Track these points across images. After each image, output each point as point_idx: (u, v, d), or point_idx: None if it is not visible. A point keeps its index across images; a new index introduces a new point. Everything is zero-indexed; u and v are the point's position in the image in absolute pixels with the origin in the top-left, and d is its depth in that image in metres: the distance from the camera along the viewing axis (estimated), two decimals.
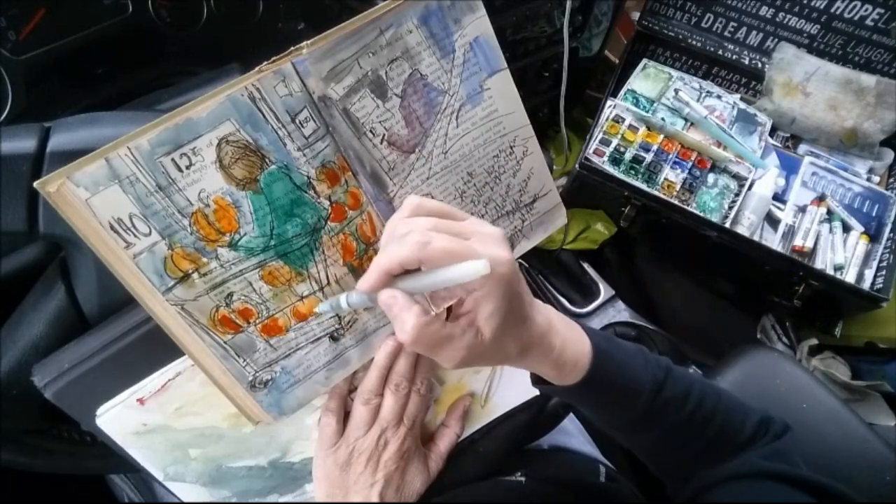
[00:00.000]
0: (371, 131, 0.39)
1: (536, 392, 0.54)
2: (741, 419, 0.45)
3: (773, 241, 0.97)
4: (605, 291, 1.10)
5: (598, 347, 0.41)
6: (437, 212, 0.36)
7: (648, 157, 0.99)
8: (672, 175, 0.99)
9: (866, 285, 0.92)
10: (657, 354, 0.46)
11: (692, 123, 1.03)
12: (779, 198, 1.00)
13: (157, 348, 0.40)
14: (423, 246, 0.32)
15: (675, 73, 1.09)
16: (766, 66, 1.03)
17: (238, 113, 0.34)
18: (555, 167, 1.17)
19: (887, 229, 0.96)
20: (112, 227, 0.33)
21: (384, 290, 0.35)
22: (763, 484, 0.40)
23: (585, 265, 1.13)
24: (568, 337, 0.40)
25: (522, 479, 0.52)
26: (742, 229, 0.95)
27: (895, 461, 0.68)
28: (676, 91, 1.06)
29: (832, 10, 0.94)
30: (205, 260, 0.36)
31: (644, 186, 0.97)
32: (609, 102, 1.05)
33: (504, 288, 0.35)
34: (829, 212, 0.98)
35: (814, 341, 1.06)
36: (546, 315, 0.40)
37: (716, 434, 0.44)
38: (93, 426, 0.42)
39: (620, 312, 1.08)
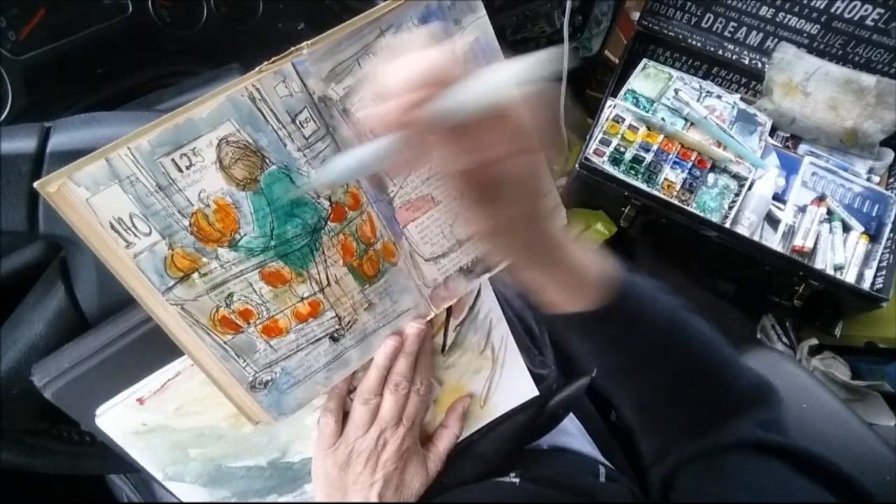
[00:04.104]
0: (371, 131, 0.39)
1: (536, 392, 0.54)
2: (735, 375, 0.42)
3: (773, 241, 0.97)
4: None
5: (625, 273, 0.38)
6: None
7: (648, 157, 0.99)
8: (672, 175, 0.99)
9: (866, 285, 0.93)
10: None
11: (692, 123, 1.03)
12: (779, 198, 1.00)
13: (157, 348, 0.40)
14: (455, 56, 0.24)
15: (675, 73, 1.09)
16: (766, 66, 1.03)
17: (238, 113, 0.34)
18: (555, 167, 1.17)
19: (887, 229, 0.96)
20: (112, 227, 0.33)
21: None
22: (766, 460, 0.38)
23: None
24: (589, 255, 0.37)
25: (517, 479, 0.51)
26: (742, 229, 0.95)
27: (895, 461, 0.68)
28: (676, 91, 1.06)
29: (832, 10, 0.94)
30: (205, 260, 0.36)
31: (644, 186, 0.97)
32: (609, 102, 1.05)
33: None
34: (829, 212, 0.98)
35: (814, 341, 1.06)
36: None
37: (711, 387, 0.41)
38: (92, 426, 0.42)
39: None
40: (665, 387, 0.42)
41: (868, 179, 1.02)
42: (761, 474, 0.37)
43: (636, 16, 1.11)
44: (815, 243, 0.96)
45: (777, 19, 0.99)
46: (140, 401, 0.42)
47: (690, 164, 0.99)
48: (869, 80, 0.97)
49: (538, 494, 0.51)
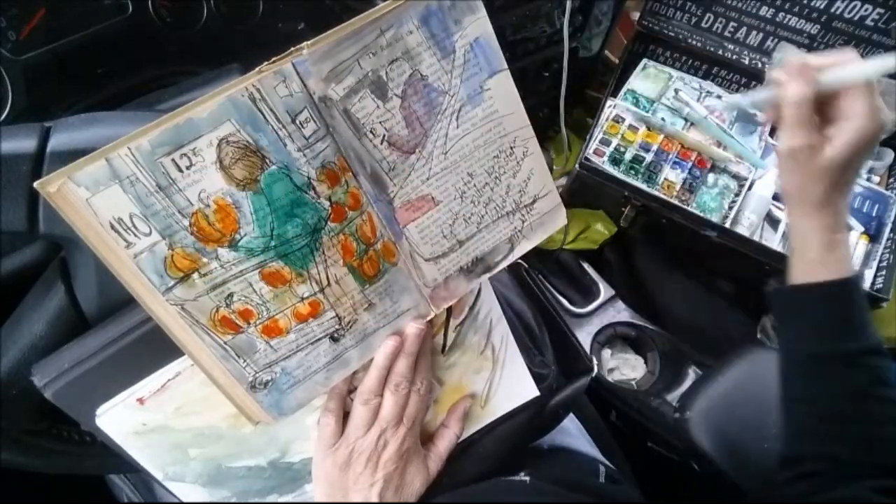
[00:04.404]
0: (371, 132, 0.39)
1: (537, 392, 0.54)
2: None
3: (774, 241, 0.97)
4: (605, 291, 1.10)
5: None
6: None
7: (648, 157, 0.99)
8: (672, 175, 0.99)
9: (866, 285, 0.92)
10: None
11: (692, 123, 1.03)
12: (779, 198, 1.00)
13: (157, 348, 0.40)
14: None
15: (675, 73, 1.09)
16: (766, 66, 1.03)
17: (238, 113, 0.34)
18: (555, 167, 1.17)
19: (887, 229, 0.96)
20: (112, 227, 0.33)
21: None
22: None
23: (585, 265, 1.13)
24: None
25: (527, 478, 0.52)
26: (742, 229, 0.96)
27: None
28: (676, 91, 1.06)
29: (832, 10, 0.94)
30: (205, 260, 0.36)
31: (644, 186, 0.97)
32: (609, 102, 1.05)
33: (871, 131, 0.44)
34: None
35: None
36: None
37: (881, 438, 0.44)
38: (92, 426, 0.42)
39: (620, 312, 1.08)
40: (860, 395, 0.45)
41: (868, 179, 1.02)
42: None
43: (636, 16, 1.11)
44: None
45: (777, 19, 0.99)
46: (140, 401, 0.42)
47: (690, 164, 0.99)
48: None
49: (552, 492, 0.51)
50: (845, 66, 0.45)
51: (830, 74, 0.45)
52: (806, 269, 0.49)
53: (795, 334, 0.50)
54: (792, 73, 0.46)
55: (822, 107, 0.46)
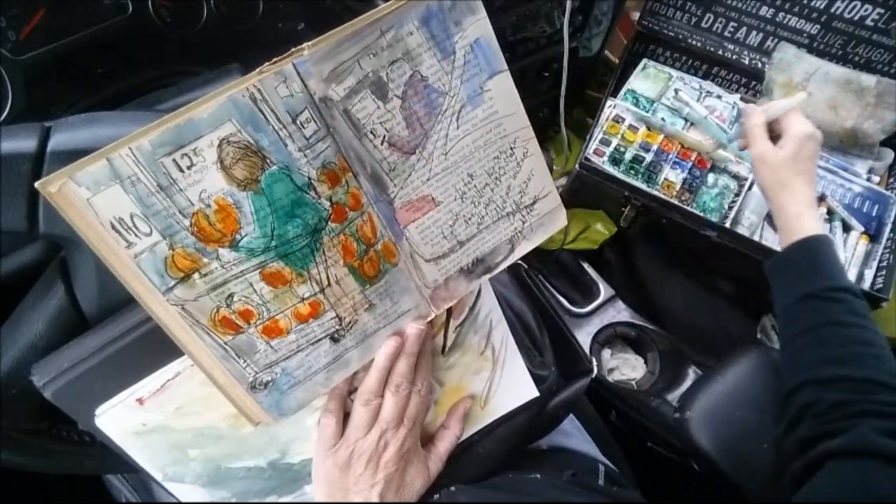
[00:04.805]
0: (372, 132, 0.39)
1: (536, 393, 0.54)
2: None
3: (774, 241, 0.97)
4: (604, 291, 1.10)
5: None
6: None
7: (648, 156, 0.99)
8: (672, 175, 0.99)
9: (866, 285, 0.92)
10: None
11: (692, 123, 1.03)
12: None
13: (157, 348, 0.40)
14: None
15: (675, 73, 1.09)
16: (766, 66, 1.03)
17: (239, 113, 0.34)
18: (555, 167, 1.17)
19: (887, 229, 0.96)
20: (113, 227, 0.33)
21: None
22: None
23: (585, 265, 1.13)
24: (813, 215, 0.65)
25: (537, 475, 0.52)
26: (742, 229, 0.95)
27: None
28: (676, 91, 1.06)
29: (832, 10, 0.94)
30: (206, 260, 0.36)
31: (644, 186, 0.97)
32: (609, 102, 1.05)
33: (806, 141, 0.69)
34: (830, 212, 0.98)
35: None
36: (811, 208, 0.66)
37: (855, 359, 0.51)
38: (92, 426, 0.42)
39: (620, 312, 1.08)
40: (836, 322, 0.54)
41: (868, 179, 1.02)
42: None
43: (636, 16, 1.11)
44: None
45: (777, 19, 0.99)
46: (140, 401, 0.42)
47: (690, 164, 0.99)
48: (869, 80, 0.96)
49: (568, 489, 0.51)
50: (777, 104, 0.73)
51: (770, 110, 0.74)
52: (784, 240, 0.66)
53: (780, 292, 0.62)
54: (749, 114, 0.74)
55: (777, 132, 0.73)
